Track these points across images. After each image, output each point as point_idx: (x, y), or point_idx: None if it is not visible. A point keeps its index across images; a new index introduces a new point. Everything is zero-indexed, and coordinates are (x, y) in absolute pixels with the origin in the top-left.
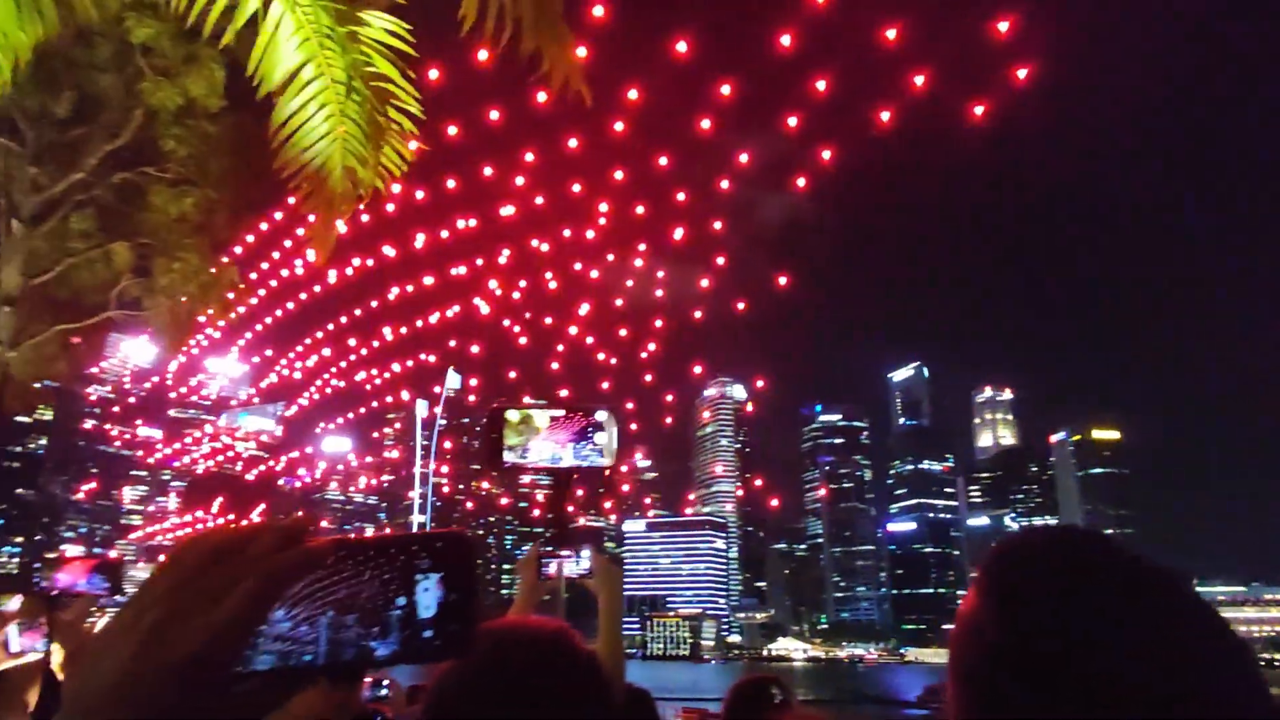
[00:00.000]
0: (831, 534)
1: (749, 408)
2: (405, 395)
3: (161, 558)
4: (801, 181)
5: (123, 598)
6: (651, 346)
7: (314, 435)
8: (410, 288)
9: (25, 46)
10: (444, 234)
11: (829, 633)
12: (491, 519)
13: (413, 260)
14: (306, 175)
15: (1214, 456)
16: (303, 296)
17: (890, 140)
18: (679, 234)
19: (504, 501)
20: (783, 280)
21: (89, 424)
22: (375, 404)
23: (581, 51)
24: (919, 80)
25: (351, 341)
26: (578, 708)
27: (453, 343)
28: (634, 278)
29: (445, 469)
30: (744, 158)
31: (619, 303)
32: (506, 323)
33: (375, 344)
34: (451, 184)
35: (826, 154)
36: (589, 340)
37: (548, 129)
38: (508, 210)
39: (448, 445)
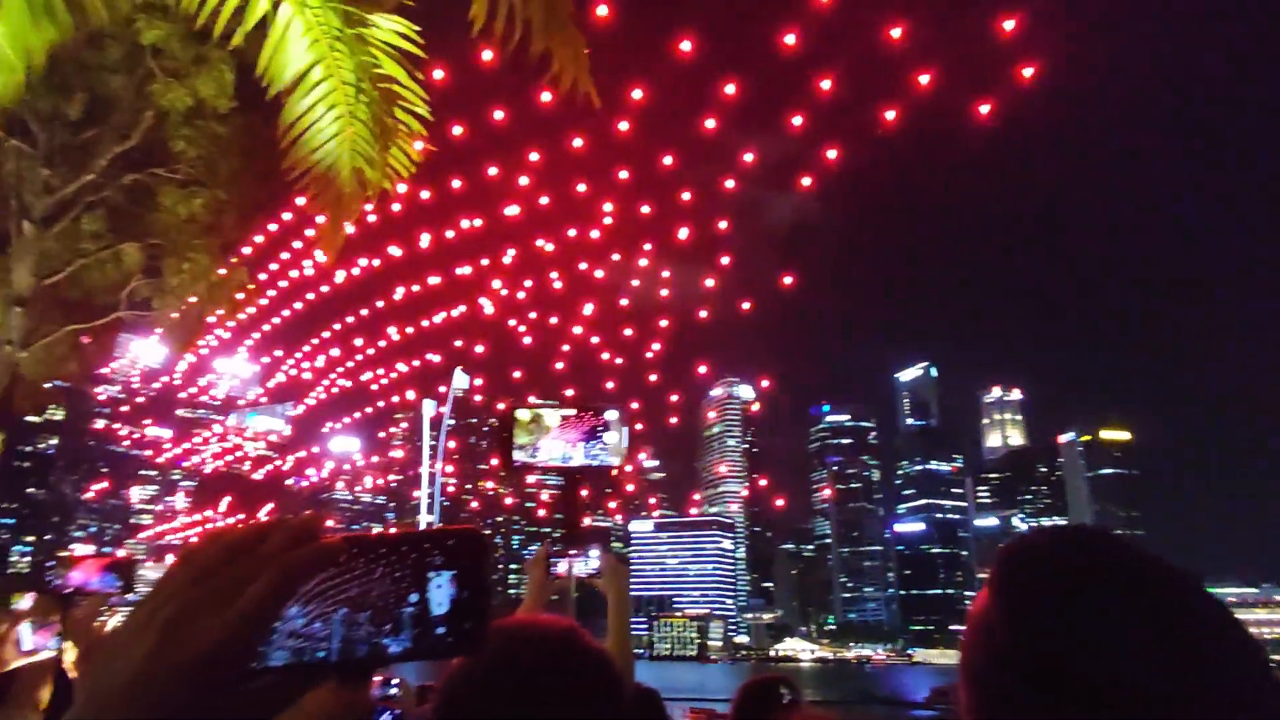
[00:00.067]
0: (839, 534)
1: (753, 408)
2: (411, 395)
3: (170, 557)
4: (807, 181)
5: (134, 596)
6: (656, 346)
7: (322, 435)
8: (416, 287)
9: (39, 49)
10: (449, 234)
11: (836, 633)
12: (499, 519)
13: (418, 260)
14: (315, 176)
15: (1224, 457)
16: (310, 296)
17: (897, 140)
18: (684, 234)
19: (509, 501)
20: (788, 280)
21: (99, 424)
22: (382, 404)
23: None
24: (924, 79)
25: (358, 341)
26: (588, 706)
27: (459, 343)
28: (639, 277)
29: (449, 469)
30: (749, 157)
31: (624, 302)
32: (512, 323)
33: (382, 344)
34: (457, 184)
35: (832, 153)
36: (594, 340)
37: (552, 129)
38: (512, 210)
39: (451, 445)
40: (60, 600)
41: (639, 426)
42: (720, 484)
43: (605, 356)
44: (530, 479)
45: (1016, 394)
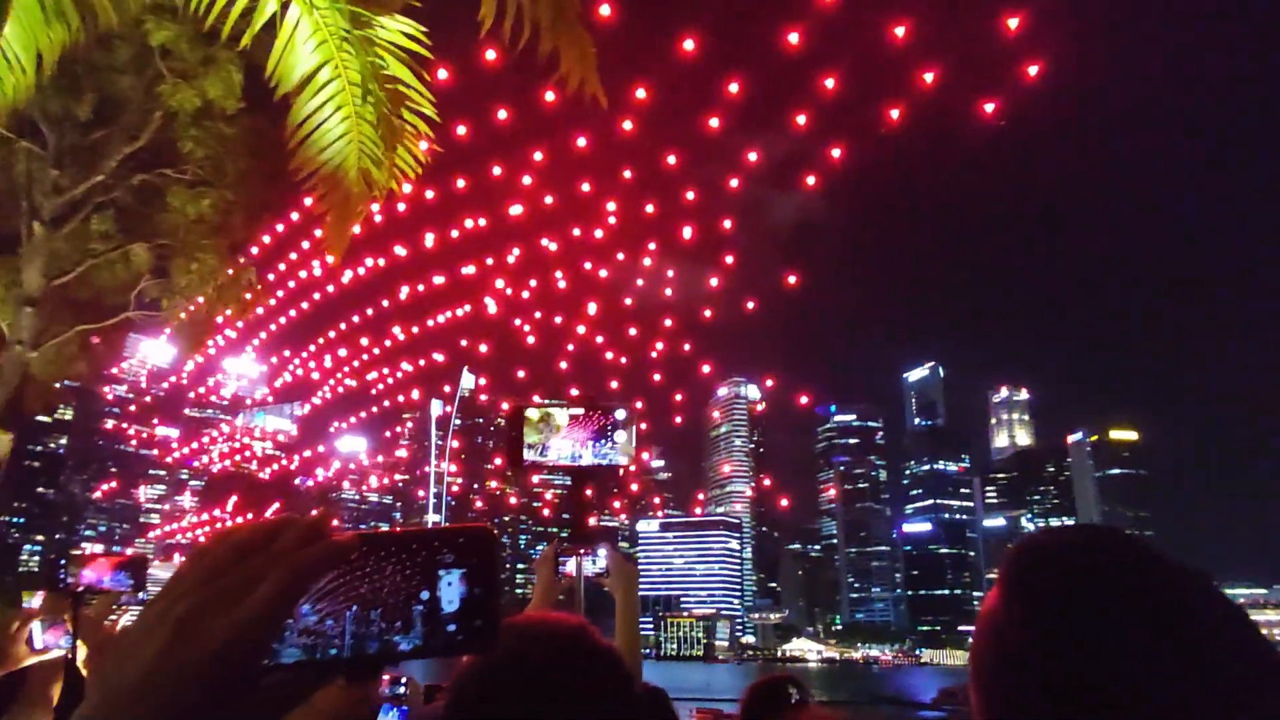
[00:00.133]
0: (846, 534)
1: (758, 408)
2: (415, 395)
3: (178, 556)
4: (811, 180)
5: (145, 595)
6: (660, 345)
7: (329, 434)
8: (421, 287)
9: (51, 50)
10: (454, 233)
11: (844, 634)
12: (506, 518)
13: (423, 259)
14: (322, 176)
15: (1233, 457)
16: (316, 296)
17: (902, 139)
18: (688, 233)
19: (513, 501)
20: (792, 279)
21: (109, 423)
22: (387, 403)
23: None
24: (928, 78)
25: (364, 341)
26: (598, 703)
27: (464, 342)
28: (643, 276)
29: (453, 467)
30: (753, 156)
31: (628, 302)
32: (517, 322)
33: (387, 343)
34: (461, 183)
35: (836, 152)
36: (599, 339)
37: (556, 128)
38: (516, 210)
39: (455, 444)
40: (71, 598)
41: (643, 426)
42: (727, 484)
43: (609, 356)
44: (534, 478)
45: (1024, 394)
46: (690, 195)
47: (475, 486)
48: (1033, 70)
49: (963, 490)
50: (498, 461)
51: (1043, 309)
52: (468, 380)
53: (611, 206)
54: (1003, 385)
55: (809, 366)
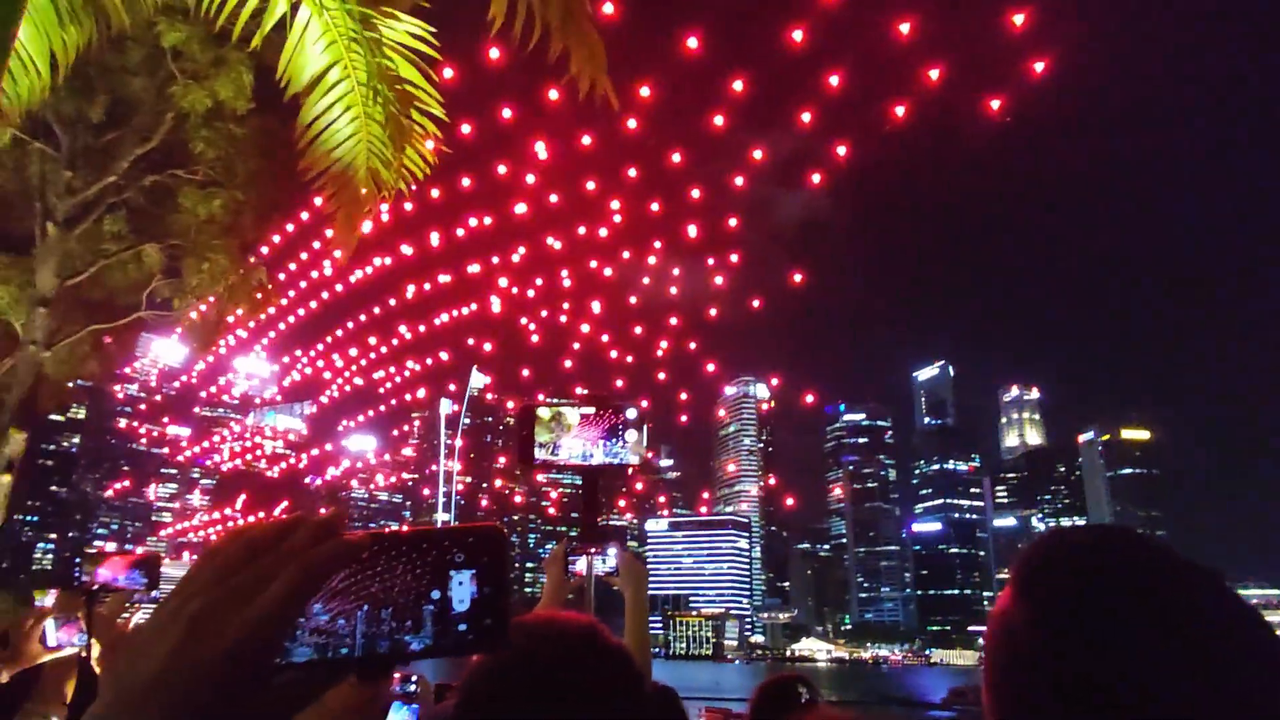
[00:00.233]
0: (855, 534)
1: (765, 407)
2: (421, 394)
3: (187, 554)
4: (817, 178)
5: (159, 593)
6: (665, 344)
7: (339, 433)
8: (427, 286)
9: (65, 52)
10: (459, 232)
11: (853, 633)
12: (515, 517)
13: (429, 258)
14: (331, 176)
15: (1247, 457)
16: (325, 296)
17: (909, 136)
18: (693, 231)
19: (518, 499)
20: (798, 278)
21: (121, 422)
22: (394, 401)
23: None
24: (934, 74)
25: (372, 340)
26: (609, 702)
27: (470, 341)
28: (649, 275)
29: (458, 466)
30: (758, 154)
31: (633, 300)
32: (524, 320)
33: (394, 342)
34: (466, 182)
35: (841, 149)
36: (604, 338)
37: (561, 127)
38: (521, 208)
39: (458, 444)
40: (86, 597)
41: (648, 425)
42: (735, 483)
43: (614, 355)
44: (539, 477)
45: (1035, 393)
46: (695, 193)
47: (484, 485)
48: (1039, 67)
49: (973, 490)
50: (502, 461)
51: (1054, 307)
52: (477, 380)
53: (616, 205)
54: (1013, 384)
55: (817, 365)
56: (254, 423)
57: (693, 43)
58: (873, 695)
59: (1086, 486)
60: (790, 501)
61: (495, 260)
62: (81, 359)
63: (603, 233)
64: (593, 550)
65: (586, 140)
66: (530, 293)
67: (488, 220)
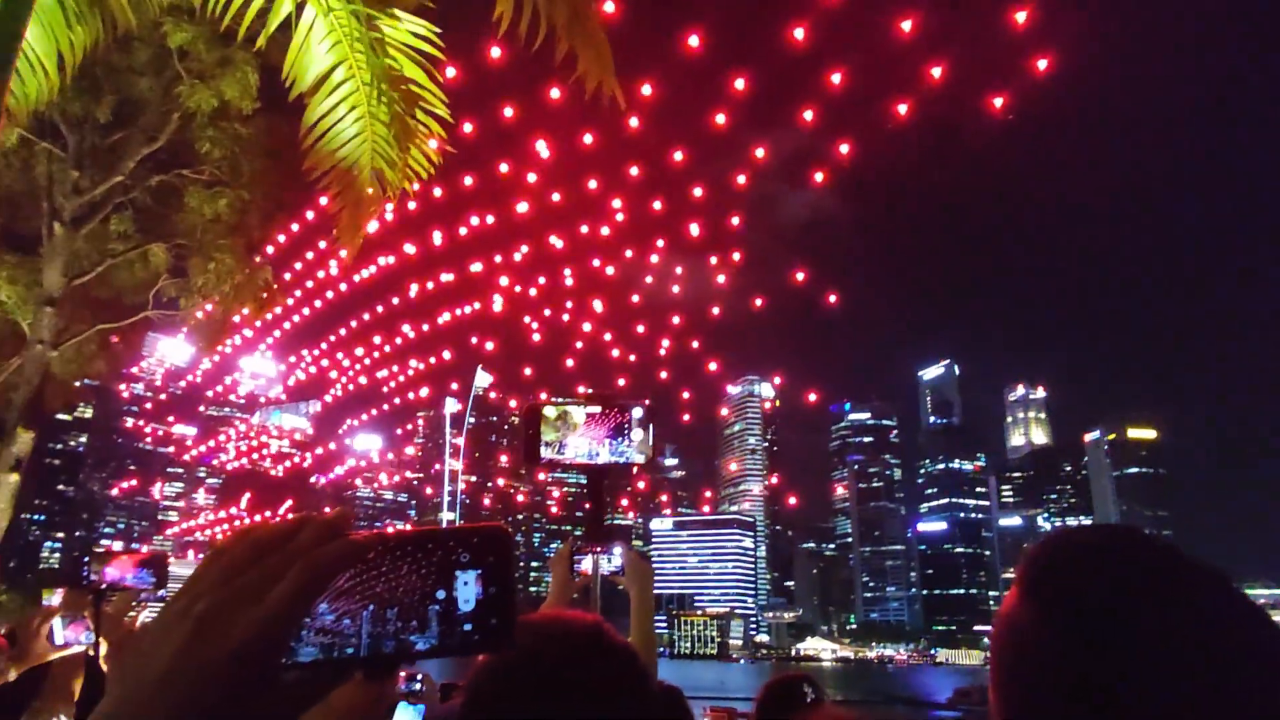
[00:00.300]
0: (861, 533)
1: (767, 406)
2: (425, 392)
3: (193, 553)
4: (820, 176)
5: (166, 592)
6: (668, 343)
7: (344, 432)
8: (430, 285)
9: (72, 53)
10: (462, 231)
11: (858, 633)
12: (520, 516)
13: (432, 257)
14: (336, 175)
15: (1254, 456)
16: (329, 295)
17: (912, 134)
18: (696, 230)
19: (520, 499)
20: (800, 276)
21: (127, 422)
22: (398, 401)
23: None
24: (936, 72)
25: (376, 339)
26: (614, 702)
27: (474, 339)
28: (652, 274)
29: (462, 464)
30: (760, 153)
31: (635, 299)
32: (526, 319)
33: (398, 341)
34: (468, 181)
35: (844, 148)
36: (606, 337)
37: (563, 125)
38: (523, 207)
39: (459, 442)
40: (93, 596)
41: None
42: (740, 482)
43: (616, 354)
44: (541, 476)
45: (1041, 392)
46: (698, 192)
47: (489, 485)
48: (1042, 64)
49: (978, 489)
50: (504, 460)
51: (1060, 306)
52: (483, 379)
53: (618, 204)
54: (1019, 383)
55: (822, 364)
56: (259, 422)
57: (694, 41)
58: (878, 695)
59: (1092, 486)
60: (793, 500)
61: (498, 259)
62: (88, 358)
63: (605, 231)
64: (598, 549)
65: (588, 139)
66: (532, 291)
67: (490, 219)
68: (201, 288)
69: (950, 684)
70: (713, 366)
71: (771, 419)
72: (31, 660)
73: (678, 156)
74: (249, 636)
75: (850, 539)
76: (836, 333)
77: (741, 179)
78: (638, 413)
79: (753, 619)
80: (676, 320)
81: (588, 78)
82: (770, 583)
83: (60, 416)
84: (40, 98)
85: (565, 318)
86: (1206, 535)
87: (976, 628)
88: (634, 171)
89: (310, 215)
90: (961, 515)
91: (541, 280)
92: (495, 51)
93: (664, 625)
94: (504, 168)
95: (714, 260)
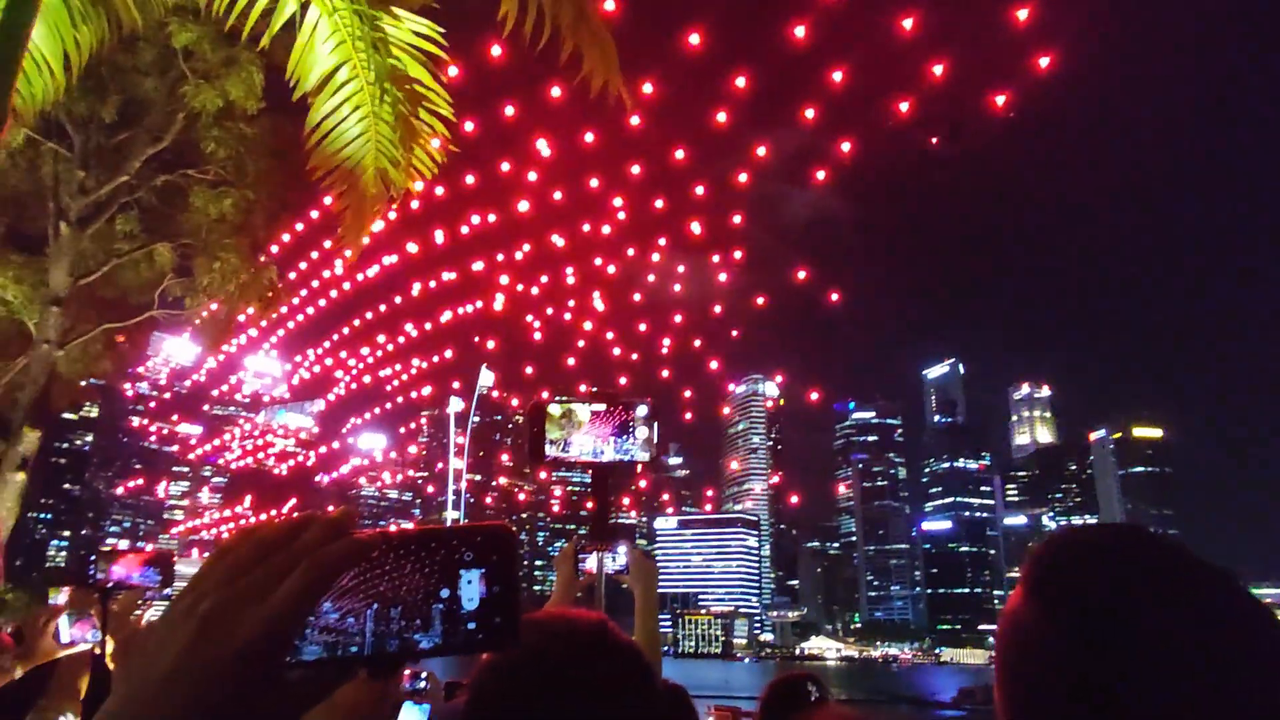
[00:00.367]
0: (865, 532)
1: (770, 404)
2: (427, 391)
3: (197, 552)
4: (821, 175)
5: (172, 590)
6: (668, 342)
7: (348, 431)
8: (433, 284)
9: (78, 53)
10: (464, 229)
11: (863, 632)
12: (523, 515)
13: (433, 256)
14: (340, 175)
15: (1260, 455)
16: (333, 294)
17: (915, 133)
18: (697, 229)
19: (522, 498)
20: (802, 274)
21: (133, 421)
22: (401, 399)
23: None
24: (938, 70)
25: (380, 338)
26: (619, 700)
27: (476, 338)
28: (654, 272)
29: (465, 463)
30: (762, 151)
31: (637, 297)
32: (528, 318)
33: (400, 339)
34: (470, 180)
35: (846, 146)
36: (609, 335)
37: (564, 124)
38: (525, 206)
39: (462, 441)
40: (100, 594)
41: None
42: (744, 481)
43: (618, 352)
44: (542, 474)
45: (1045, 390)
46: (700, 190)
47: (492, 484)
48: (1043, 62)
49: (983, 488)
50: (506, 459)
51: (1065, 304)
52: (487, 377)
53: (620, 202)
54: (1024, 382)
55: (827, 363)
56: (264, 421)
57: (695, 39)
58: (882, 694)
59: (1098, 485)
60: (795, 499)
61: (500, 258)
62: (94, 357)
63: (606, 230)
64: (603, 548)
65: (590, 138)
66: (534, 290)
67: (492, 218)
68: (206, 287)
69: (955, 683)
70: (714, 365)
71: (775, 418)
72: (38, 658)
73: (679, 155)
74: (254, 635)
75: (854, 538)
76: (840, 332)
77: (743, 177)
78: (642, 411)
79: (757, 618)
80: (678, 319)
81: (593, 77)
82: (774, 582)
83: (66, 416)
84: (46, 98)
85: (567, 316)
86: (1212, 534)
87: (981, 627)
88: (635, 170)
89: (314, 215)
90: (966, 514)
91: (543, 279)
92: (496, 50)
93: (668, 624)
94: (505, 166)
95: (716, 259)
